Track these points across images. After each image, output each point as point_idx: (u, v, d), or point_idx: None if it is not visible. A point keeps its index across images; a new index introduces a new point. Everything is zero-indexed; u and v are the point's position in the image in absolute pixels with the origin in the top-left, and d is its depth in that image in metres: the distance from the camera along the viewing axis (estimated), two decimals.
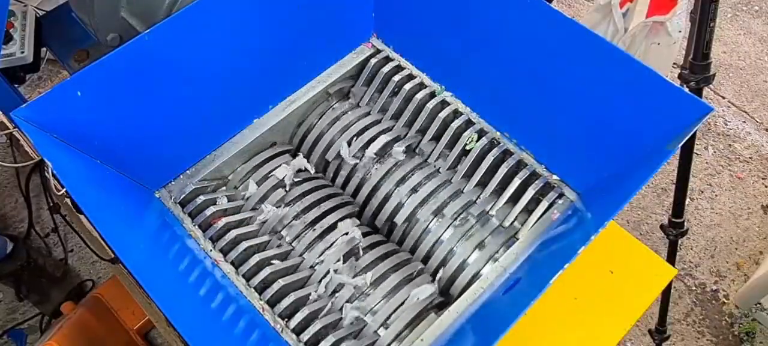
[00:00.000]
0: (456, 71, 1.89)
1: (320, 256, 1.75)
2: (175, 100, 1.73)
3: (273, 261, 1.71)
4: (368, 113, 1.97)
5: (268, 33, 1.82)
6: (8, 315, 3.63)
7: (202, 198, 1.78)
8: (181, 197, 1.79)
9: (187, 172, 1.83)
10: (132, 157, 1.70)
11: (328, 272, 1.72)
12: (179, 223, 1.73)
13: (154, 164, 1.76)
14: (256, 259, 1.69)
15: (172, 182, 1.81)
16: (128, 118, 1.66)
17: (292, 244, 1.77)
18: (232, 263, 1.70)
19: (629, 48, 2.87)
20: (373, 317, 1.67)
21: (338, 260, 1.73)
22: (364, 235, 1.79)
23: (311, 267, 1.74)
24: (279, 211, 1.81)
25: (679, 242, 2.88)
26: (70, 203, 2.01)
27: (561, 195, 1.74)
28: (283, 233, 1.79)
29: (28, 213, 3.59)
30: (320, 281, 1.73)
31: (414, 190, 1.83)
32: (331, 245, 1.76)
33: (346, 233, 1.77)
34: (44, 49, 2.37)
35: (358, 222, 1.82)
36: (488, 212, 1.77)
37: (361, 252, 1.75)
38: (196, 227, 1.74)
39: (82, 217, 1.99)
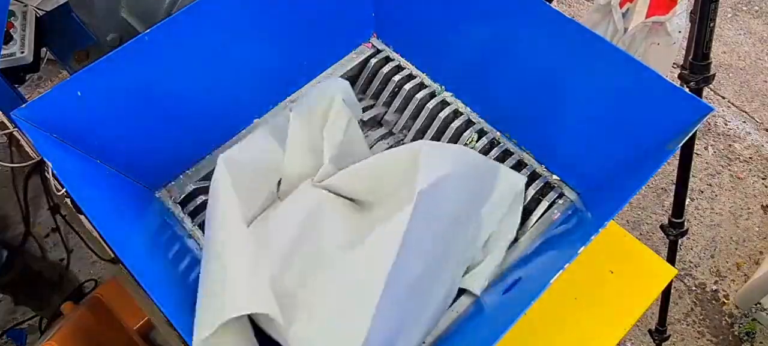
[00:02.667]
0: (456, 71, 1.88)
1: None
2: (175, 100, 1.72)
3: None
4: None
5: (267, 33, 1.80)
6: (8, 315, 3.63)
7: (202, 198, 1.76)
8: (182, 196, 1.77)
9: (188, 172, 1.82)
10: (132, 157, 1.69)
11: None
12: (179, 223, 1.72)
13: (154, 164, 1.75)
14: None
15: (173, 182, 1.80)
16: (128, 119, 1.64)
17: None
18: None
19: (629, 48, 2.86)
20: None
21: None
22: None
23: None
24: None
25: (679, 242, 2.88)
26: (70, 203, 2.00)
27: (561, 195, 1.73)
28: None
29: (26, 216, 3.58)
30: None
31: None
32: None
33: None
34: (44, 49, 2.38)
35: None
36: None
37: None
38: (197, 227, 1.72)
39: (82, 217, 1.98)
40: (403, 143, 1.90)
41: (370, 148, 1.90)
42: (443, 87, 1.90)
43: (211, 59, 1.72)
